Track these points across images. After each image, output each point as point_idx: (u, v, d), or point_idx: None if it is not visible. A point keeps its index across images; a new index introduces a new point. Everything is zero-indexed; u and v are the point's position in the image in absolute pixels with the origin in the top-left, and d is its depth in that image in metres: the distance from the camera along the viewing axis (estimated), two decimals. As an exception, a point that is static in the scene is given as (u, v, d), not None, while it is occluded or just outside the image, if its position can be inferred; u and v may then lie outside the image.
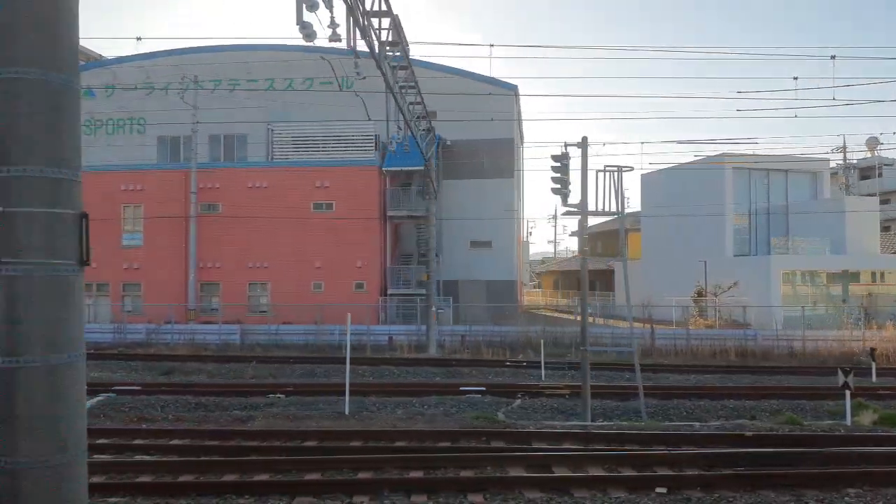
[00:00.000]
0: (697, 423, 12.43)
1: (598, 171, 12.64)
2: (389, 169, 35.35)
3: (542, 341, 19.28)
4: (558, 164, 13.18)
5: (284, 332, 27.19)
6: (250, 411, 13.58)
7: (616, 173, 12.68)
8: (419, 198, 37.21)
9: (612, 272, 46.91)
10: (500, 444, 10.89)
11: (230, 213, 34.67)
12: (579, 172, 13.42)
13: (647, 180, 41.64)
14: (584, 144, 13.43)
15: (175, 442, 10.96)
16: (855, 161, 56.36)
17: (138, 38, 57.81)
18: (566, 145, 13.23)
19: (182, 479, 9.08)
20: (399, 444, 10.94)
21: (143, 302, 34.68)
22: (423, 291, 35.19)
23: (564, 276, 54.61)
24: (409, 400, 14.35)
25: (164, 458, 9.92)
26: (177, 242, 34.96)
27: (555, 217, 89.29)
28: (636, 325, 30.80)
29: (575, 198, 13.62)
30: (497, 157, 37.80)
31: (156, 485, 8.75)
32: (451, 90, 37.13)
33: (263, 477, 9.18)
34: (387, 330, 27.26)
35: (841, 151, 49.96)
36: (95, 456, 10.26)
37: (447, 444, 10.98)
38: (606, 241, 51.11)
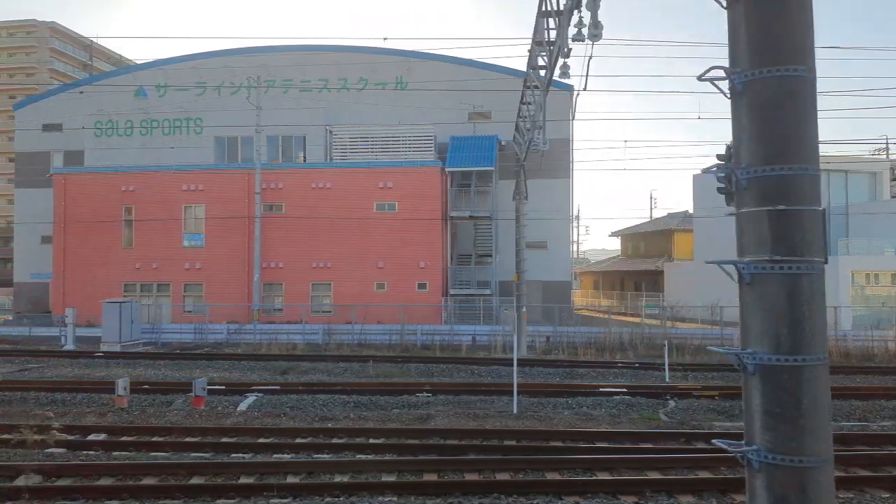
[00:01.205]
0: (875, 425, 12.45)
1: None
2: (452, 169, 35.37)
3: (665, 343, 19.24)
4: (723, 163, 13.13)
5: (369, 331, 27.18)
6: (414, 409, 13.60)
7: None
8: (479, 198, 37.30)
9: (660, 273, 46.91)
10: (702, 446, 10.92)
11: (293, 214, 34.65)
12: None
13: (701, 180, 41.60)
14: (749, 145, 13.44)
15: (384, 441, 10.98)
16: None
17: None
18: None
19: (426, 478, 9.11)
20: (600, 444, 10.97)
21: (204, 302, 34.59)
22: (487, 292, 35.32)
23: (605, 277, 54.60)
24: (562, 400, 14.38)
25: (404, 458, 9.94)
26: (239, 243, 34.95)
27: (577, 217, 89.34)
28: (705, 326, 30.88)
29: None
30: (552, 158, 37.67)
31: (438, 483, 8.81)
32: (507, 90, 37.21)
33: (504, 476, 9.21)
34: (471, 330, 27.26)
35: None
36: (324, 455, 10.28)
37: (649, 444, 11.01)
38: (650, 242, 51.09)
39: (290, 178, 35.18)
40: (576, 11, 9.19)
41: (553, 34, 13.19)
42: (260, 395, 14.90)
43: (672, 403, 14.36)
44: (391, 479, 9.06)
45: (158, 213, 35.26)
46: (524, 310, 24.62)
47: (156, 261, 35.36)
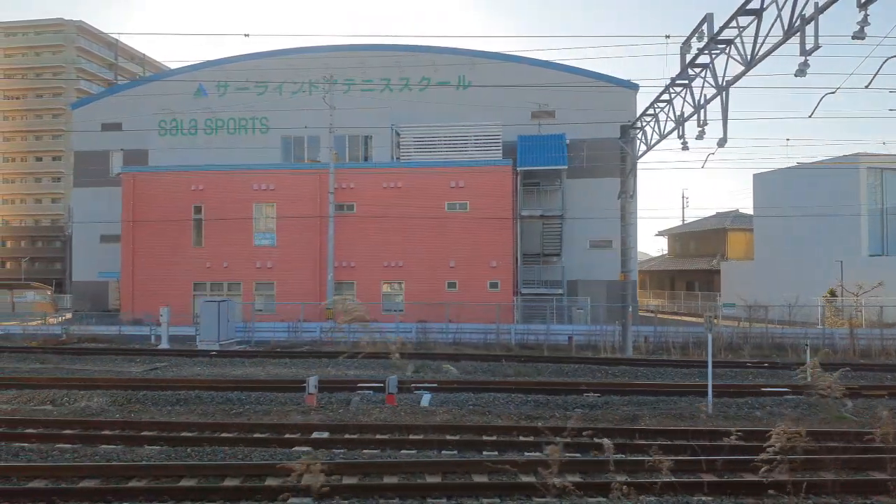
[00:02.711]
0: None
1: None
2: (524, 168, 35.37)
3: (807, 343, 19.19)
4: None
5: (464, 330, 27.16)
6: (599, 410, 13.60)
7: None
8: (546, 196, 37.40)
9: (713, 272, 46.96)
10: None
11: (364, 213, 34.67)
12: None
13: (761, 180, 41.69)
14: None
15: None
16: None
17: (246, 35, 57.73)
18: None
19: (704, 478, 9.11)
20: (830, 444, 10.95)
21: (275, 301, 34.58)
22: (559, 291, 35.35)
23: (653, 276, 54.62)
24: (742, 400, 14.39)
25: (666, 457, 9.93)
26: (310, 242, 34.96)
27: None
28: (783, 325, 30.78)
29: None
30: (617, 156, 37.54)
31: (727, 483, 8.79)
32: (571, 89, 37.25)
33: (785, 476, 9.19)
34: (568, 329, 27.27)
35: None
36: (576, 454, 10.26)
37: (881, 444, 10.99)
38: (700, 241, 51.13)
39: (361, 178, 35.17)
40: (861, 11, 9.17)
41: (713, 32, 13.22)
42: (429, 392, 14.88)
43: (849, 403, 14.35)
44: (673, 478, 9.05)
45: (229, 213, 35.24)
46: (630, 310, 24.62)
47: (226, 260, 35.37)
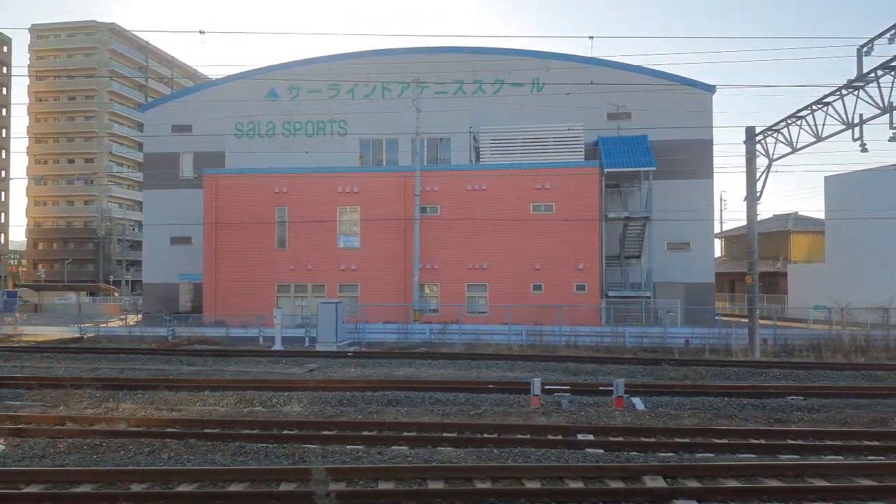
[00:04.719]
0: None
1: None
2: (611, 170, 35.33)
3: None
4: None
5: (578, 333, 27.10)
6: (819, 413, 13.56)
7: None
8: (629, 198, 37.44)
9: (777, 274, 46.92)
10: None
11: (448, 216, 34.67)
12: None
13: (832, 182, 41.68)
14: None
15: (880, 444, 10.99)
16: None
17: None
18: None
19: None
20: None
21: (360, 302, 34.52)
22: (647, 293, 35.30)
23: (710, 278, 54.50)
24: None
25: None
26: (394, 244, 34.96)
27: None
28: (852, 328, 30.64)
29: None
30: (694, 158, 37.58)
31: None
32: (646, 91, 37.32)
33: None
34: (687, 332, 27.19)
35: None
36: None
37: None
38: (759, 244, 50.96)
39: (444, 181, 35.15)
40: None
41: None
42: (635, 396, 14.81)
43: None
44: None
45: (312, 215, 35.26)
46: (757, 311, 24.58)
47: (310, 262, 35.38)
